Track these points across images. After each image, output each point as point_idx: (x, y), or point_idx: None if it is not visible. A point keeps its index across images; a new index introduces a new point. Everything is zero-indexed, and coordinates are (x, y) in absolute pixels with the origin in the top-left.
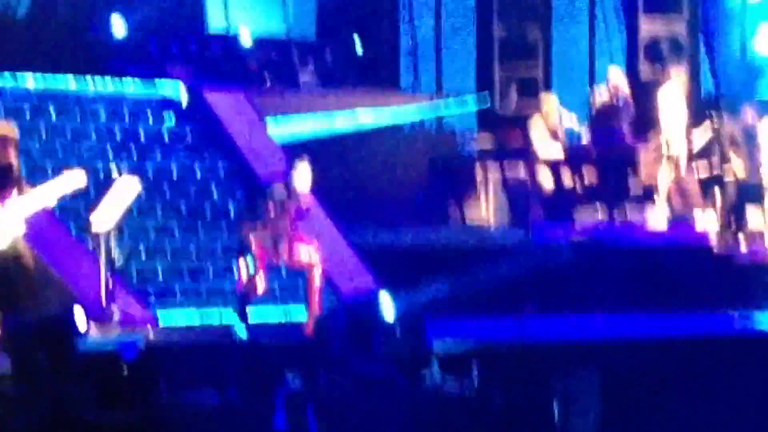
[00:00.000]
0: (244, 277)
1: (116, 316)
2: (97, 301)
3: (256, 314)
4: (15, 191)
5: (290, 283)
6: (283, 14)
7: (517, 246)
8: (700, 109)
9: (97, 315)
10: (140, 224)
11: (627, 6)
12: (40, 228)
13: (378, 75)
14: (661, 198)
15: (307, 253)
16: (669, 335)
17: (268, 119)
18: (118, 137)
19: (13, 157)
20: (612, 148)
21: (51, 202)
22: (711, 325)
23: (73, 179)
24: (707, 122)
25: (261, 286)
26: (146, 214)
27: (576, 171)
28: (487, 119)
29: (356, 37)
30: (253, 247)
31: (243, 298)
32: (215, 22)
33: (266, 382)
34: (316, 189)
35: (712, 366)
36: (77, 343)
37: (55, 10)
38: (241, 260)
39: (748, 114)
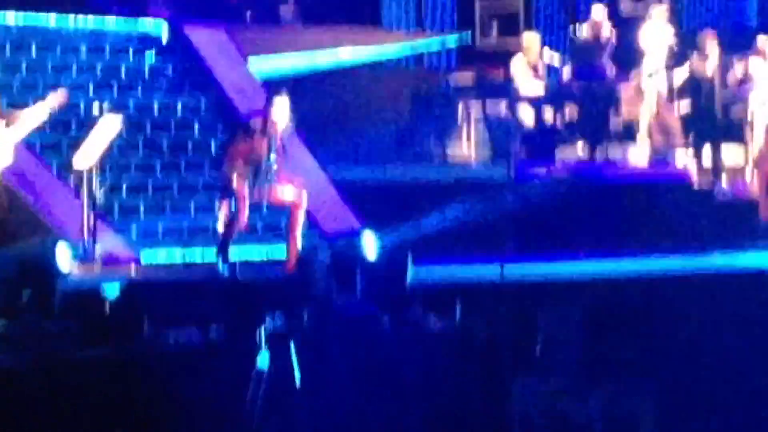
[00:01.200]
0: (226, 215)
1: (98, 254)
2: (80, 238)
3: (238, 252)
4: None
5: (271, 220)
6: None
7: (498, 183)
8: (681, 45)
9: (80, 253)
10: (122, 161)
11: None
12: (22, 165)
13: (359, 12)
14: (641, 135)
15: (289, 191)
16: (650, 273)
17: (249, 56)
18: (99, 73)
19: None
20: (593, 86)
21: (41, 119)
22: (691, 263)
23: (57, 98)
24: (688, 58)
25: (242, 223)
26: (128, 150)
27: (557, 108)
28: (467, 56)
29: None
30: (234, 184)
31: (224, 236)
32: None
33: (248, 320)
34: (297, 126)
35: (693, 303)
36: (60, 281)
37: None
38: (223, 198)
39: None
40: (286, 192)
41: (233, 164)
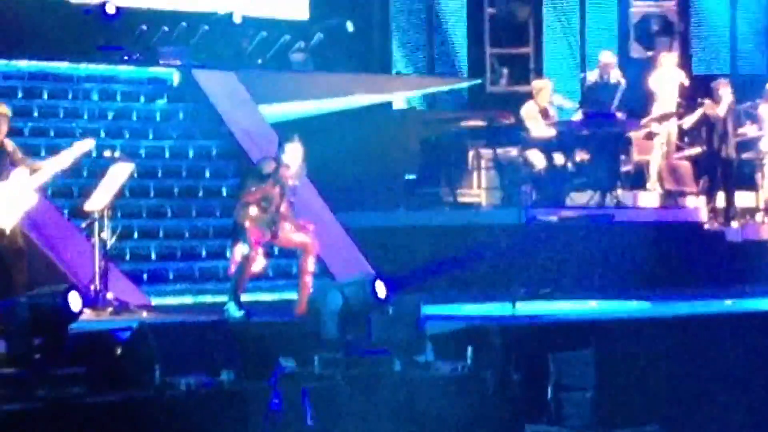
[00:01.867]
0: (238, 258)
1: (109, 299)
2: (91, 282)
3: (250, 296)
4: (16, 166)
5: (282, 264)
6: None
7: (509, 227)
8: (691, 89)
9: (91, 297)
10: (133, 205)
11: None
12: (34, 210)
13: (370, 58)
14: (652, 179)
15: (300, 235)
16: (661, 314)
17: (260, 102)
18: (111, 119)
19: (4, 136)
20: (604, 130)
21: (65, 166)
22: (702, 304)
23: (84, 145)
24: (699, 102)
25: (256, 266)
26: (139, 194)
27: (568, 153)
28: (478, 101)
29: (348, 22)
30: (247, 227)
31: (236, 281)
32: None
33: (260, 363)
34: (307, 169)
35: (705, 345)
36: (71, 325)
37: None
38: (235, 242)
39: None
40: (297, 236)
41: (245, 208)
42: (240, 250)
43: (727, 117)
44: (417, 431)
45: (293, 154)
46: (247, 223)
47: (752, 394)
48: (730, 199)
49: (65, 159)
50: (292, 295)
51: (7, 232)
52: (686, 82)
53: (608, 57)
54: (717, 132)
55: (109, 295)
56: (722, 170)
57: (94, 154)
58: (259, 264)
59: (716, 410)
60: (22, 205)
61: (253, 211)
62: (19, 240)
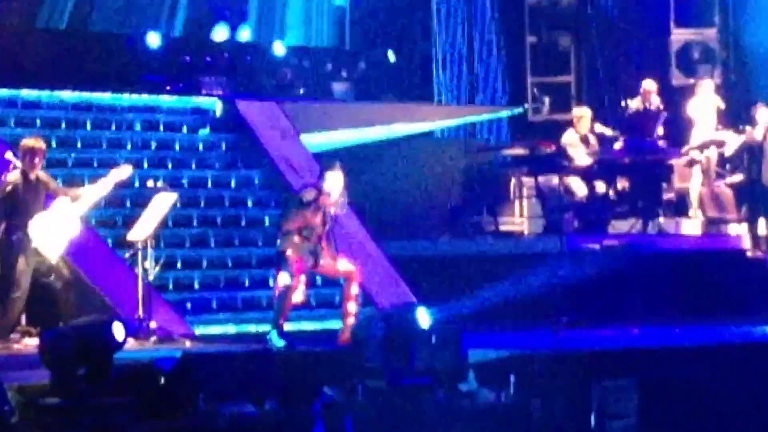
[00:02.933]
0: (281, 286)
1: (153, 328)
2: (135, 312)
3: (292, 323)
4: (54, 196)
5: (326, 292)
6: (318, 26)
7: (551, 255)
8: (732, 115)
9: (135, 327)
10: (176, 235)
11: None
12: (78, 240)
13: (411, 88)
14: (694, 206)
15: (344, 263)
16: (705, 344)
17: (302, 131)
18: (154, 147)
19: (39, 169)
20: (645, 158)
21: (105, 193)
22: (746, 333)
23: (123, 171)
24: (740, 129)
25: (297, 296)
26: (182, 224)
27: (609, 180)
28: (520, 129)
29: (390, 52)
30: (289, 255)
31: (279, 309)
32: (249, 33)
33: (304, 392)
34: (350, 199)
35: (750, 373)
36: (115, 355)
37: (92, 25)
38: (278, 271)
39: None
40: (341, 264)
41: (287, 237)
42: (282, 279)
43: (765, 141)
44: None
45: (334, 181)
46: (289, 252)
47: None
48: None
49: (104, 186)
50: (334, 325)
51: (54, 262)
52: (722, 106)
53: (650, 85)
54: (756, 158)
55: (153, 325)
56: (763, 197)
57: (137, 184)
58: (299, 294)
59: None
60: (67, 235)
61: (295, 239)
62: (65, 271)
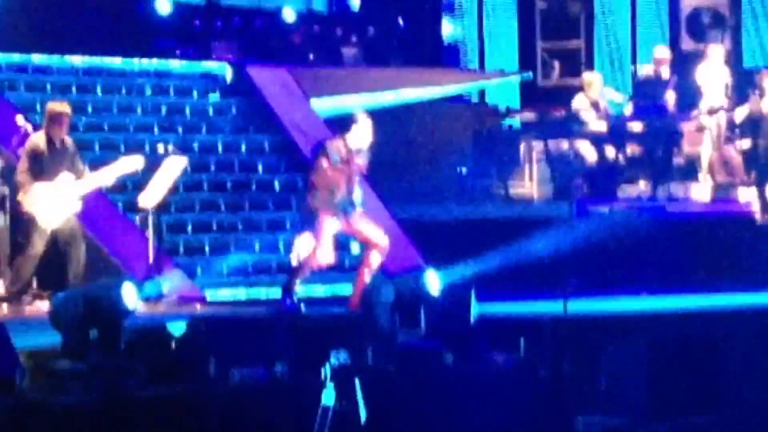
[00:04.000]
0: (301, 248)
1: (164, 293)
2: (145, 277)
3: (303, 290)
4: (70, 168)
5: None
6: None
7: (560, 220)
8: (743, 81)
9: (145, 291)
10: (187, 200)
11: None
12: (89, 205)
13: (421, 53)
14: (703, 172)
15: (374, 229)
16: (713, 308)
17: (312, 96)
18: (164, 112)
19: (66, 134)
20: (655, 123)
21: (108, 183)
22: (754, 295)
23: (132, 163)
24: (750, 94)
25: (325, 257)
26: (192, 189)
27: (619, 145)
28: (529, 94)
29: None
30: (317, 212)
31: (296, 270)
32: None
33: (313, 356)
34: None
35: (758, 338)
36: (126, 319)
37: None
38: (302, 230)
39: None
40: (372, 230)
41: (313, 192)
42: (304, 240)
43: None
44: (470, 423)
45: (363, 132)
46: (317, 208)
47: None
48: None
49: (113, 173)
50: (345, 288)
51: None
52: (729, 80)
53: (662, 52)
54: (764, 125)
55: (164, 289)
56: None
57: (147, 149)
58: (329, 255)
59: None
60: (64, 211)
61: (323, 195)
62: (75, 225)
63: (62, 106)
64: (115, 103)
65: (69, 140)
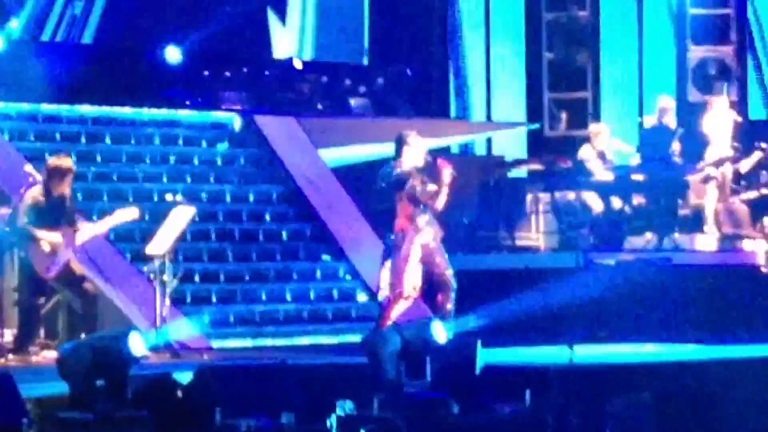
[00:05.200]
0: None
1: (171, 342)
2: (153, 326)
3: (310, 338)
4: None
5: (343, 306)
6: (336, 41)
7: (567, 270)
8: (748, 132)
9: (153, 341)
10: (194, 249)
11: (675, 30)
12: (97, 253)
13: (428, 103)
14: (710, 222)
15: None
16: (721, 359)
17: (320, 147)
18: (173, 161)
19: (68, 188)
20: (661, 174)
21: (105, 231)
22: (761, 347)
23: (127, 214)
24: (756, 146)
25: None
26: (200, 238)
27: (625, 196)
28: (536, 143)
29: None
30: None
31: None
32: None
33: (320, 405)
34: (365, 213)
35: (763, 387)
36: (133, 369)
37: (114, 40)
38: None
39: None
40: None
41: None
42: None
43: None
44: None
45: (416, 150)
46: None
47: None
48: None
49: (106, 224)
50: (352, 338)
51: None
52: (739, 119)
53: (667, 102)
54: None
55: (171, 339)
56: None
57: (155, 198)
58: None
59: None
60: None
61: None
62: (89, 285)
63: (61, 161)
64: (124, 152)
65: (68, 193)
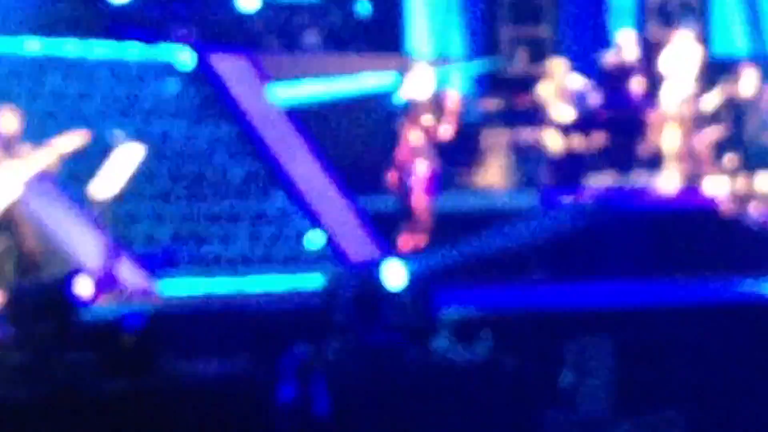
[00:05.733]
0: None
1: (120, 284)
2: (101, 269)
3: (261, 282)
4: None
5: (294, 246)
6: None
7: (526, 211)
8: (711, 71)
9: (101, 283)
10: (144, 190)
11: None
12: (43, 195)
13: (382, 39)
14: (670, 162)
15: None
16: (679, 302)
17: (272, 82)
18: (122, 101)
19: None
20: (621, 112)
21: (52, 163)
22: (719, 292)
23: (74, 140)
24: (718, 84)
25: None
26: (150, 179)
27: (585, 134)
28: (494, 83)
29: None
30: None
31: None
32: None
33: (272, 350)
34: (320, 154)
35: (722, 332)
36: (81, 312)
37: None
38: None
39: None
40: None
41: None
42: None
43: (750, 98)
44: (433, 419)
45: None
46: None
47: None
48: (750, 183)
49: (52, 153)
50: (305, 281)
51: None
52: (697, 67)
53: (628, 36)
54: (735, 114)
55: (119, 281)
56: (743, 153)
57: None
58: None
59: (733, 396)
60: (5, 198)
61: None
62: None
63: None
64: (72, 90)
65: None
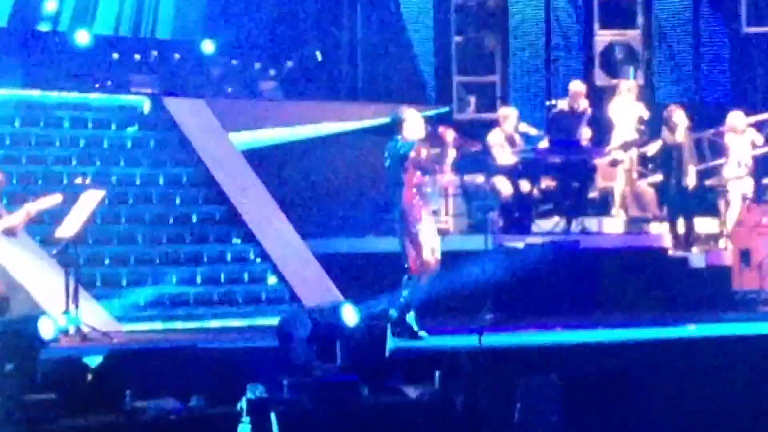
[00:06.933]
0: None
1: (80, 325)
2: (62, 310)
3: (219, 320)
4: None
5: (252, 288)
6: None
7: (476, 253)
8: (656, 116)
9: (62, 324)
10: (104, 232)
11: (583, 16)
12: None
13: (338, 86)
14: (617, 206)
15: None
16: (627, 341)
17: (230, 130)
18: (82, 145)
19: None
20: (570, 158)
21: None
22: (666, 329)
23: (50, 200)
24: (663, 130)
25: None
26: (110, 221)
27: (534, 179)
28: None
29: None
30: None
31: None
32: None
33: (229, 388)
34: (277, 197)
35: (670, 370)
36: (42, 352)
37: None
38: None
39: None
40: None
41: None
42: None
43: (684, 143)
44: None
45: (414, 124)
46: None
47: (718, 416)
48: (690, 226)
49: (27, 212)
50: (262, 321)
51: None
52: (645, 115)
53: (578, 86)
54: (675, 159)
55: (80, 322)
56: (681, 197)
57: (65, 181)
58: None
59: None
60: None
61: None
62: None
63: None
64: (33, 135)
65: None
